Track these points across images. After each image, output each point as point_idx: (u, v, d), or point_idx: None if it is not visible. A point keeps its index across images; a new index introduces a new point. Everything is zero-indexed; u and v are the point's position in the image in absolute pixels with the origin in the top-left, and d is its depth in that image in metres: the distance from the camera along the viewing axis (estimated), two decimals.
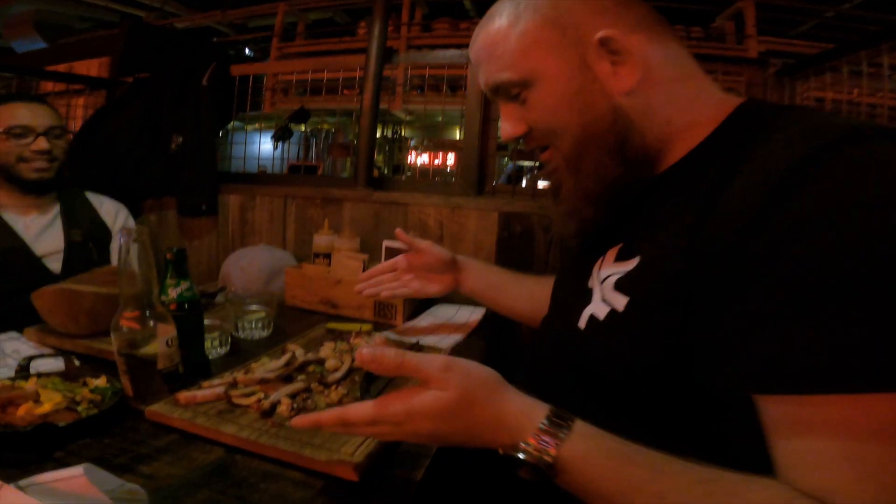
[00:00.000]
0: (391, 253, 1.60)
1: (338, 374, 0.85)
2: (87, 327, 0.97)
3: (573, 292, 0.67)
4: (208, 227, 2.09)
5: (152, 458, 0.61)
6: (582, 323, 0.60)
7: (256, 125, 2.41)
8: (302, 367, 0.86)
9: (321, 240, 1.47)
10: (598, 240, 0.65)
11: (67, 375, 0.76)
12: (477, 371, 0.50)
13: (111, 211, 1.63)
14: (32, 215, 1.46)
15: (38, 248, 1.43)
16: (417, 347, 1.03)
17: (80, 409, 0.66)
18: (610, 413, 0.53)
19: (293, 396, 0.75)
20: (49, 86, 2.42)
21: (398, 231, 1.11)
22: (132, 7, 3.99)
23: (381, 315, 1.31)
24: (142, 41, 2.15)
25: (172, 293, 0.82)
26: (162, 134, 2.00)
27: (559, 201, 0.64)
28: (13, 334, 1.04)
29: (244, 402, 0.72)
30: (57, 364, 0.84)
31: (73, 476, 0.44)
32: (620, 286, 0.56)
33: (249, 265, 1.47)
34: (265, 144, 2.29)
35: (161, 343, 0.72)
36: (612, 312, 0.56)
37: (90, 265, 1.45)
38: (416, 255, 1.13)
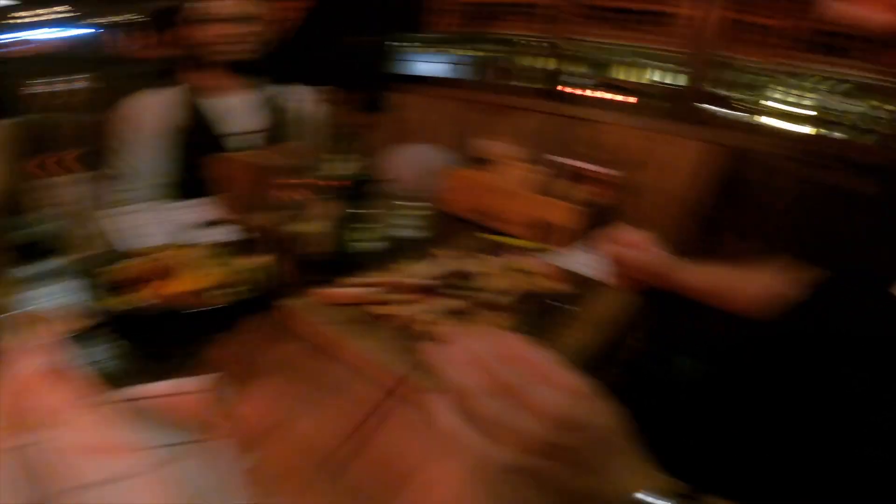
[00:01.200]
0: (567, 171, 1.36)
1: (500, 298, 0.69)
2: (251, 199, 0.93)
3: None
4: (374, 124, 2.08)
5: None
6: None
7: (425, 46, 2.33)
8: (458, 280, 0.71)
9: (485, 145, 1.30)
10: None
11: (228, 250, 0.71)
12: None
13: (297, 97, 1.65)
14: (227, 97, 1.51)
15: (230, 128, 1.49)
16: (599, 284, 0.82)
17: (219, 293, 0.59)
18: None
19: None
20: None
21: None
22: None
23: (543, 236, 1.11)
24: None
25: (341, 168, 0.71)
26: (343, 29, 2.01)
27: None
28: (189, 202, 1.06)
29: (383, 310, 0.60)
30: (226, 236, 0.80)
31: (181, 391, 0.34)
32: None
33: (406, 162, 1.36)
34: (430, 65, 2.23)
35: (317, 222, 0.61)
36: None
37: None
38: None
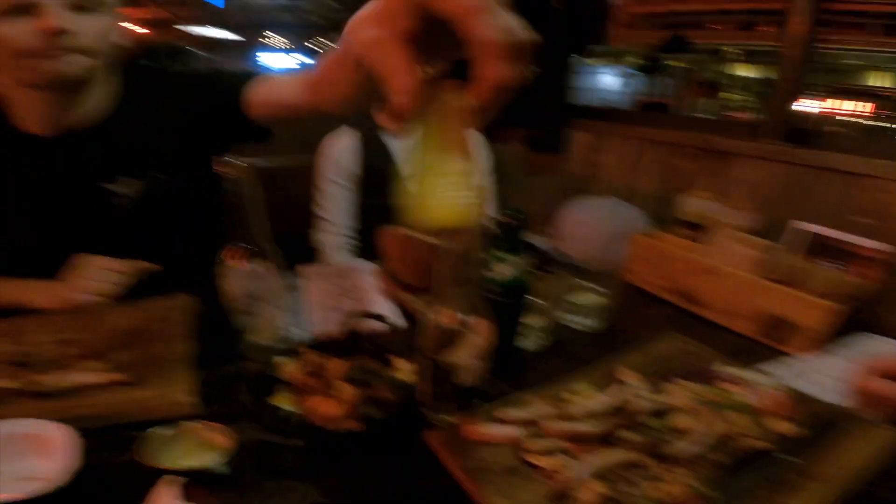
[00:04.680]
0: (818, 244, 1.09)
1: (691, 448, 0.57)
2: (415, 279, 0.93)
3: None
4: (552, 165, 2.00)
5: None
6: None
7: (599, 59, 2.22)
8: (641, 418, 0.61)
9: (693, 204, 1.13)
10: None
11: (379, 349, 0.73)
12: None
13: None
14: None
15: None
16: (846, 418, 0.63)
17: (370, 410, 0.61)
18: None
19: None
20: None
21: None
22: None
23: (773, 335, 0.91)
24: None
25: (498, 272, 0.68)
26: None
27: None
28: (367, 265, 1.12)
29: (538, 461, 0.54)
30: (382, 327, 0.84)
31: None
32: None
33: (589, 220, 1.27)
34: (606, 77, 2.16)
35: (467, 354, 0.58)
36: None
37: None
38: None
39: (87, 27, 0.86)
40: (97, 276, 0.91)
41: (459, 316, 0.57)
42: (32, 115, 0.94)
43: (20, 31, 0.81)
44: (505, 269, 0.68)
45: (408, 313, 0.92)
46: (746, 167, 1.34)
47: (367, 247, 1.54)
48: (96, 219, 0.99)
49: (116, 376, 0.70)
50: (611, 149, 1.72)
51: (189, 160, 1.04)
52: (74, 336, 0.80)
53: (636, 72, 1.99)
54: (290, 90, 0.88)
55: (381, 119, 1.61)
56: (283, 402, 0.68)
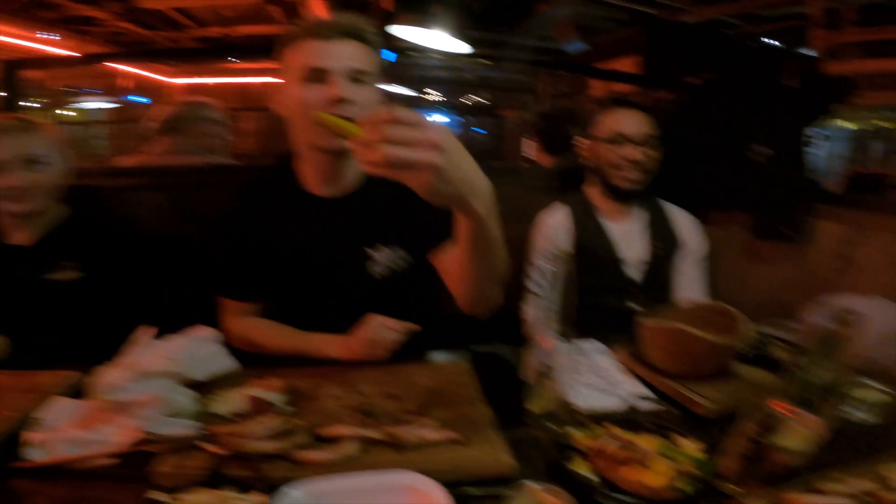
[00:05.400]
0: None
1: None
2: (683, 369, 1.00)
3: None
4: (781, 255, 1.83)
5: None
6: None
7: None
8: None
9: None
10: None
11: (660, 426, 0.81)
12: None
13: (684, 224, 1.66)
14: (622, 221, 1.62)
15: (623, 253, 1.58)
16: None
17: (679, 482, 0.69)
18: None
19: None
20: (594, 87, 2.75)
21: None
22: (642, 5, 4.05)
23: None
24: (668, 39, 2.16)
25: (820, 377, 0.72)
26: (737, 140, 1.88)
27: None
28: (598, 345, 1.18)
29: None
30: (652, 407, 0.92)
31: None
32: None
33: (860, 322, 1.19)
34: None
35: (805, 440, 0.66)
36: None
37: (665, 279, 1.57)
38: None
39: (361, 96, 1.00)
40: (383, 333, 1.02)
41: (788, 405, 0.65)
42: (316, 176, 1.10)
43: (315, 95, 0.98)
44: (821, 373, 0.73)
45: (662, 395, 0.98)
46: None
47: (576, 324, 1.54)
48: (357, 280, 1.11)
49: (452, 434, 0.79)
50: (874, 243, 1.55)
51: (415, 240, 1.15)
52: (397, 391, 0.89)
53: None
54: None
55: (595, 198, 1.63)
56: (580, 468, 0.76)
